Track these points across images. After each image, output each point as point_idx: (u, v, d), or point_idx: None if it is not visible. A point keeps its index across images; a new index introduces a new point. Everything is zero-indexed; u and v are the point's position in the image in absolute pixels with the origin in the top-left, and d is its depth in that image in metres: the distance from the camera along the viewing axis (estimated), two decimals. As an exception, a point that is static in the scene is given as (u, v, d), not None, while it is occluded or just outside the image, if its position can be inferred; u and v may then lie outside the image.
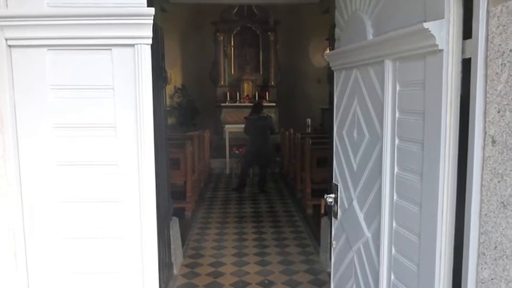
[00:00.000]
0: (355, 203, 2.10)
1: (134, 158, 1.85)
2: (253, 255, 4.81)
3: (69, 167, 1.86)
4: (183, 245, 4.88)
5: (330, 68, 2.42)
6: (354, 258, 2.15)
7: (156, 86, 3.04)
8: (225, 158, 9.95)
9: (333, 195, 2.34)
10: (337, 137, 2.35)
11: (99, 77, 1.82)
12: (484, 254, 1.24)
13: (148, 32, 1.79)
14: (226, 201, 7.34)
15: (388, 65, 1.70)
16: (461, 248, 1.33)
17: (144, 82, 1.81)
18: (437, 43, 1.34)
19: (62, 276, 1.93)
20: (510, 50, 1.13)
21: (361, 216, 2.04)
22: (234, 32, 12.14)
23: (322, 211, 5.29)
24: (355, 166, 2.09)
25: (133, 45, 1.79)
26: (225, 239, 5.38)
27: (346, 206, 2.21)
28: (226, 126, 10.55)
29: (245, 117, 8.20)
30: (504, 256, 1.17)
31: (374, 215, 1.90)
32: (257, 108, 8.07)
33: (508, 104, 1.14)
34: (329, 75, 3.40)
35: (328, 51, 4.04)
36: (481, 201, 1.24)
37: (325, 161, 4.99)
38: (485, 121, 1.21)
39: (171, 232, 4.06)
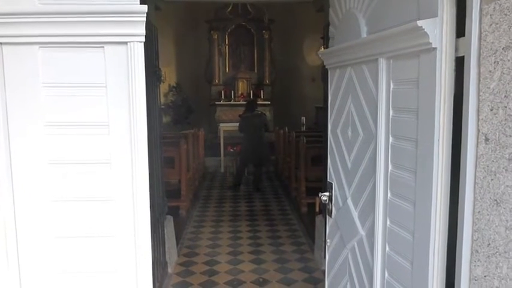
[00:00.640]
0: (349, 201, 2.10)
1: (128, 156, 1.84)
2: (248, 254, 4.81)
3: (62, 165, 1.85)
4: (177, 243, 4.87)
5: (325, 66, 2.42)
6: (348, 256, 2.16)
7: (150, 84, 3.03)
8: (220, 156, 9.95)
9: (327, 194, 2.34)
10: (331, 135, 2.35)
11: (91, 75, 1.81)
12: (477, 252, 1.24)
13: (141, 30, 1.78)
14: (221, 200, 7.33)
15: (382, 63, 1.70)
16: (455, 245, 1.33)
17: (137, 80, 1.80)
18: (430, 41, 1.35)
19: (55, 275, 1.91)
20: (503, 48, 1.13)
21: (355, 214, 2.04)
22: (229, 30, 12.11)
23: (317, 209, 5.31)
24: (349, 164, 2.09)
25: (126, 42, 1.78)
26: (219, 237, 5.38)
27: (341, 204, 2.21)
28: (221, 124, 10.55)
29: (239, 115, 8.15)
30: (497, 253, 1.17)
31: (368, 213, 1.90)
32: (251, 105, 8.01)
33: (501, 102, 1.14)
34: (323, 74, 3.39)
35: (322, 49, 4.04)
36: (474, 198, 1.24)
37: (320, 159, 5.00)
38: (478, 119, 1.22)
39: (165, 231, 4.05)
